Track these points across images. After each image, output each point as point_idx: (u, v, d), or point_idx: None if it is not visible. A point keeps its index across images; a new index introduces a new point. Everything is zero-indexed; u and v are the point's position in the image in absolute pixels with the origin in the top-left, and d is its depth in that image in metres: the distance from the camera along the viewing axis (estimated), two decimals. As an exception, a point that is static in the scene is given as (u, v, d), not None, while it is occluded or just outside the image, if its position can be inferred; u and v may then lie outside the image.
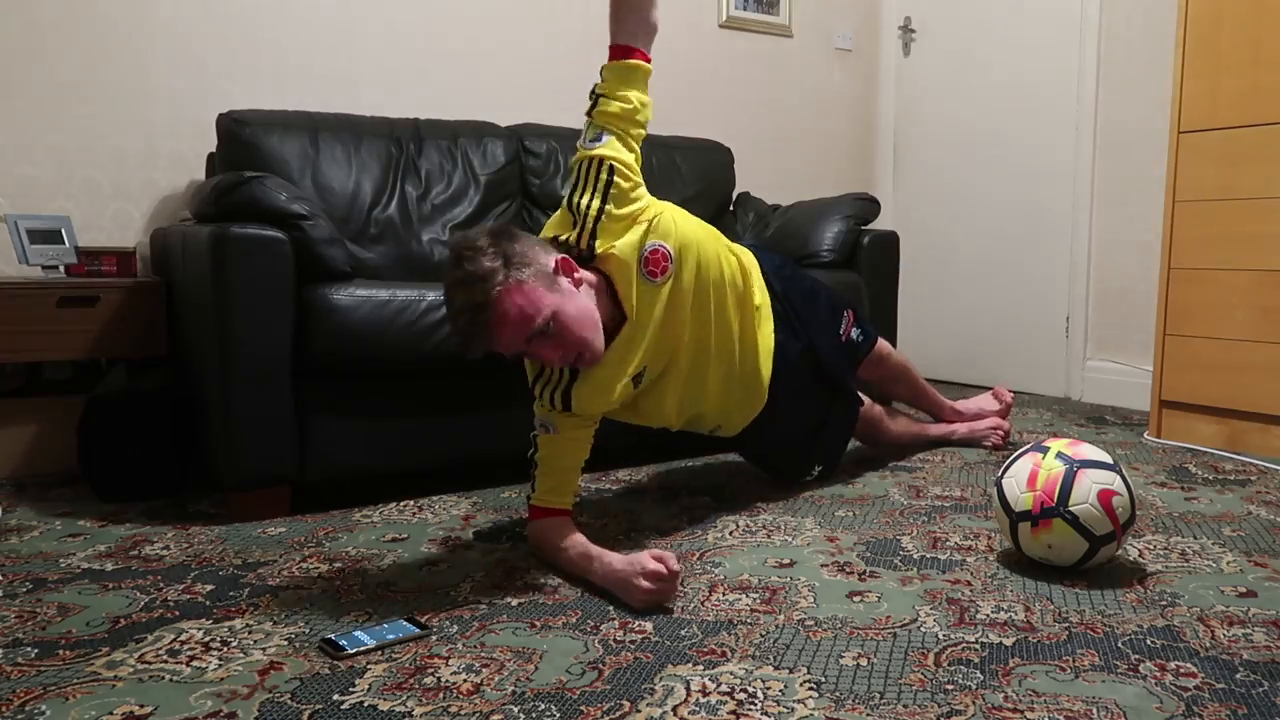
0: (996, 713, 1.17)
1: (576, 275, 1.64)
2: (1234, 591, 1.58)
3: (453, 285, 1.54)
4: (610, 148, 1.72)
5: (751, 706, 1.18)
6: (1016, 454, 1.73)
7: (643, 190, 1.75)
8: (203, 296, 2.03)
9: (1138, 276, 3.33)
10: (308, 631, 1.42)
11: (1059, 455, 1.65)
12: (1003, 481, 1.70)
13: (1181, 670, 1.28)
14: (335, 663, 1.31)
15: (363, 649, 1.34)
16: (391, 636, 1.38)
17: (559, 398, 1.74)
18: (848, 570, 1.69)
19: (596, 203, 1.69)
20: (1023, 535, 1.65)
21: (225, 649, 1.36)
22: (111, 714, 1.17)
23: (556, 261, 1.61)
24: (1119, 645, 1.36)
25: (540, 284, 1.55)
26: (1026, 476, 1.65)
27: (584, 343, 1.60)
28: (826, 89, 4.04)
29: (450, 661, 1.31)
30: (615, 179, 1.70)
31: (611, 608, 1.51)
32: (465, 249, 1.53)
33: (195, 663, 1.31)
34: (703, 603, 1.53)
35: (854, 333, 2.30)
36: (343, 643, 1.35)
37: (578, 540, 1.66)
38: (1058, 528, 1.60)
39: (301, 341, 2.02)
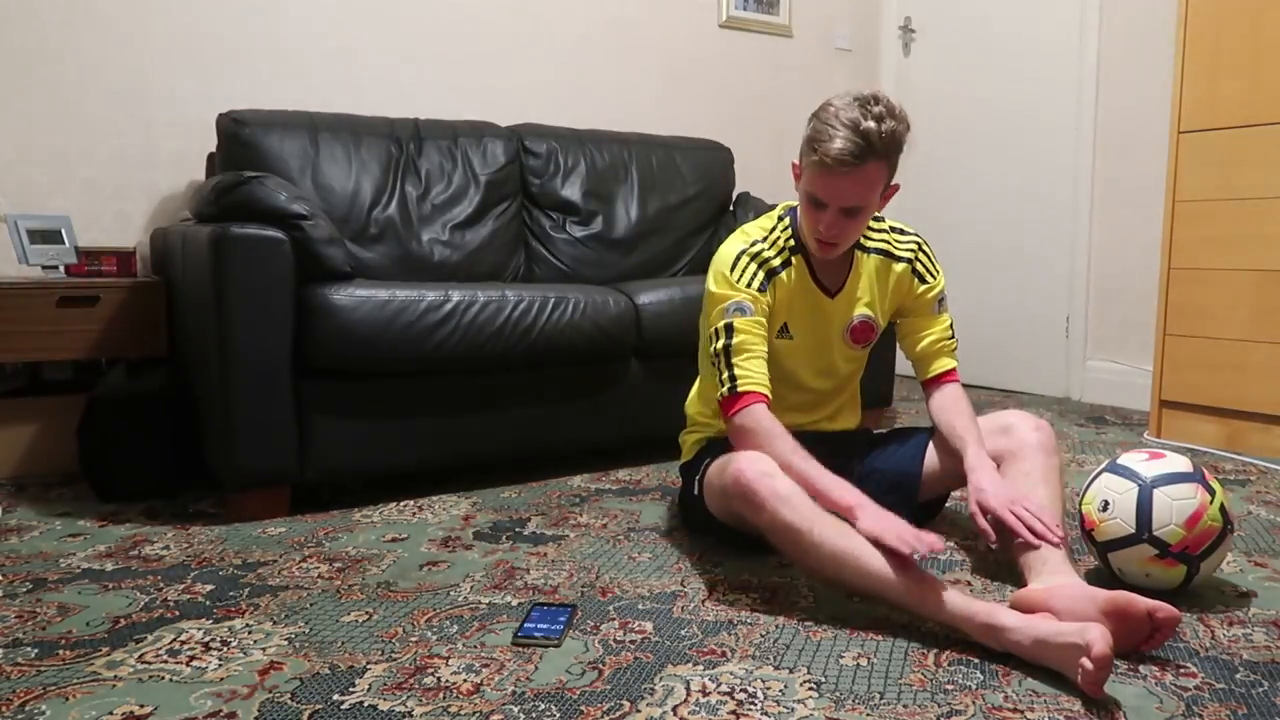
0: (996, 713, 1.17)
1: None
2: (1234, 591, 1.58)
3: (865, 112, 1.56)
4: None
5: (751, 706, 1.18)
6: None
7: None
8: (203, 296, 2.03)
9: (1138, 276, 3.33)
10: (308, 631, 1.42)
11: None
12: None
13: (1181, 670, 1.28)
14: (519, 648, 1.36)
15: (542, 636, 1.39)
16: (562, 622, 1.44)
17: (762, 275, 1.73)
18: (848, 570, 1.69)
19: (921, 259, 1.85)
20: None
21: (225, 649, 1.36)
22: (111, 714, 1.17)
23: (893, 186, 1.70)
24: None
25: (883, 183, 1.65)
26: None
27: (850, 240, 1.71)
28: (826, 89, 4.01)
29: (450, 661, 1.31)
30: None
31: (612, 607, 1.51)
32: (890, 104, 1.60)
33: (195, 663, 1.31)
34: (703, 603, 1.53)
35: None
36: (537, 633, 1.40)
37: (823, 471, 1.56)
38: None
39: (301, 341, 2.02)
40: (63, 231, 2.42)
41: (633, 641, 1.38)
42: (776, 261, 1.75)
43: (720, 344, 1.69)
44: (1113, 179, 3.43)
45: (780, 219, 1.80)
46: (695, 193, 3.17)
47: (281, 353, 2.00)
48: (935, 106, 4.02)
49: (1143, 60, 3.30)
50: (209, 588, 1.61)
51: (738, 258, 1.73)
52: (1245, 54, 2.57)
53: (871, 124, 1.55)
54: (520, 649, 1.36)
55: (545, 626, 1.40)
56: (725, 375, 1.68)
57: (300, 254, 2.02)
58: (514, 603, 1.54)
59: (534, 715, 1.16)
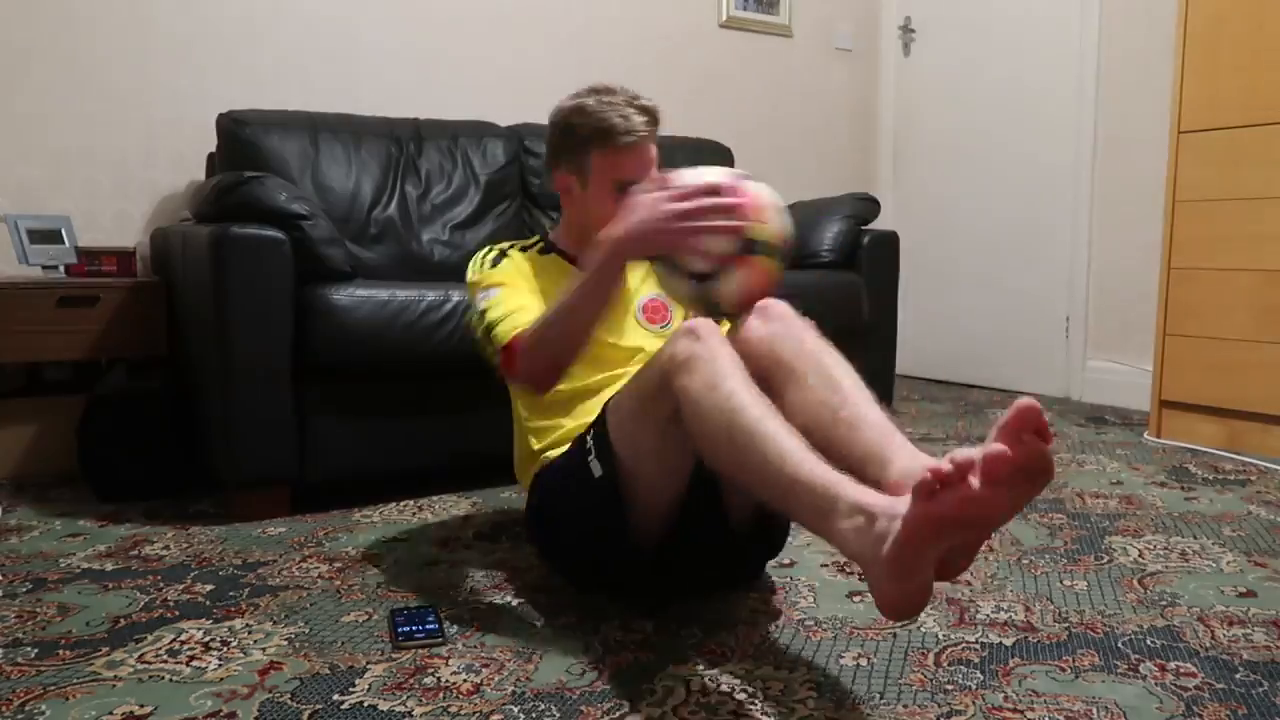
0: (996, 713, 1.17)
1: None
2: (1234, 591, 1.58)
3: (622, 92, 1.65)
4: None
5: (751, 706, 1.18)
6: None
7: None
8: (203, 296, 2.03)
9: (1138, 276, 3.33)
10: (308, 631, 1.42)
11: None
12: None
13: (1181, 670, 1.28)
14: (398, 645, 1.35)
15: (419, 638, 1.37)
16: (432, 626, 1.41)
17: (495, 253, 1.69)
18: (848, 570, 1.69)
19: None
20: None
21: (225, 649, 1.36)
22: (111, 714, 1.17)
23: None
24: (1119, 645, 1.36)
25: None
26: None
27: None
28: (826, 89, 4.04)
29: (450, 661, 1.31)
30: None
31: (611, 607, 1.51)
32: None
33: (195, 663, 1.31)
34: (702, 603, 1.53)
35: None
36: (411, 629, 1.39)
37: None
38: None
39: (301, 341, 2.02)
40: (63, 231, 2.42)
41: (633, 641, 1.38)
42: (513, 249, 1.70)
43: (482, 326, 1.57)
44: (1113, 179, 3.43)
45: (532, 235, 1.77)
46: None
47: (281, 353, 2.00)
48: (935, 106, 4.03)
49: (1143, 60, 3.30)
50: (209, 588, 1.61)
51: (472, 258, 1.70)
52: (1245, 54, 2.57)
53: (636, 99, 1.64)
54: (520, 651, 1.35)
55: (421, 628, 1.40)
56: (490, 348, 1.56)
57: (300, 254, 2.02)
58: (515, 603, 1.54)
59: (534, 715, 1.16)
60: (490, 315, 1.56)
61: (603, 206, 1.62)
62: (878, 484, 1.13)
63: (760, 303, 1.41)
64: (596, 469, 1.41)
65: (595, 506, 1.42)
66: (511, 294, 1.60)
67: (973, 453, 0.96)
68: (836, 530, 1.08)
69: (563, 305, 1.46)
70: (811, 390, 1.27)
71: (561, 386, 1.58)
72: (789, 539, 1.85)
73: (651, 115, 1.61)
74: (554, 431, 1.62)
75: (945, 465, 0.96)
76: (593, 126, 1.61)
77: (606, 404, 1.44)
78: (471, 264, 1.69)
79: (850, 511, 1.07)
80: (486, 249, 1.72)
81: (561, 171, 1.69)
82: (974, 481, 0.95)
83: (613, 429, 1.39)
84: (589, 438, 1.44)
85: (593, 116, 1.61)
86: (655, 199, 1.38)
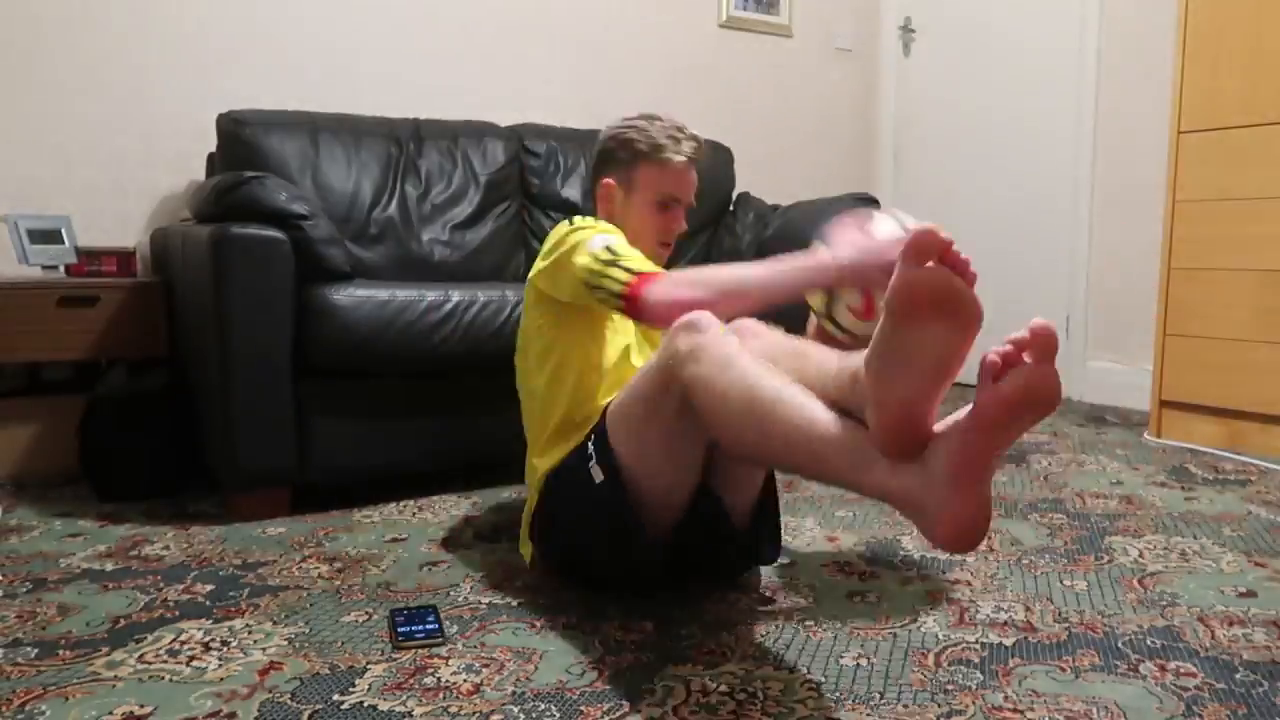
0: (996, 713, 1.17)
1: None
2: (1234, 591, 1.58)
3: (683, 128, 1.74)
4: None
5: (751, 706, 1.18)
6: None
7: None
8: (203, 296, 2.03)
9: (1138, 276, 3.33)
10: (308, 631, 1.42)
11: None
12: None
13: (1181, 670, 1.28)
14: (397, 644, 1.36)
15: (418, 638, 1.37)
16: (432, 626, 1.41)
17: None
18: (848, 570, 1.69)
19: None
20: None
21: (225, 649, 1.36)
22: (111, 714, 1.17)
23: None
24: (1119, 645, 1.36)
25: None
26: None
27: (674, 238, 1.77)
28: (826, 89, 4.04)
29: (450, 661, 1.31)
30: None
31: (611, 607, 1.51)
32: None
33: (195, 663, 1.31)
34: (702, 603, 1.53)
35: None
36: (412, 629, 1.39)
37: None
38: None
39: (301, 341, 2.02)
40: (63, 231, 2.42)
41: (633, 641, 1.38)
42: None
43: (606, 256, 1.48)
44: (1113, 178, 3.43)
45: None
46: (694, 193, 3.16)
47: (281, 353, 2.00)
48: (935, 106, 4.03)
49: (1143, 60, 3.30)
50: (209, 588, 1.61)
51: (564, 222, 1.64)
52: (1245, 54, 2.57)
53: (685, 129, 1.73)
54: (520, 651, 1.36)
55: (421, 628, 1.40)
56: (617, 271, 1.46)
57: (300, 254, 2.02)
58: (514, 603, 1.54)
59: (534, 715, 1.16)
60: (618, 249, 1.50)
61: (642, 216, 1.72)
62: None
63: (734, 324, 1.46)
64: (597, 474, 1.44)
65: (599, 511, 1.45)
66: (628, 243, 1.56)
67: (1022, 333, 1.03)
68: (879, 479, 1.11)
69: (746, 273, 1.45)
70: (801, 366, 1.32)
71: (588, 413, 1.57)
72: (787, 540, 1.86)
73: (698, 145, 1.73)
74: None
75: (1005, 346, 1.04)
76: (648, 143, 1.70)
77: (605, 410, 1.48)
78: (569, 222, 1.62)
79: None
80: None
81: (609, 178, 1.74)
82: (1027, 358, 1.04)
83: (613, 434, 1.43)
84: (589, 445, 1.47)
85: (649, 135, 1.71)
86: (881, 246, 1.37)
